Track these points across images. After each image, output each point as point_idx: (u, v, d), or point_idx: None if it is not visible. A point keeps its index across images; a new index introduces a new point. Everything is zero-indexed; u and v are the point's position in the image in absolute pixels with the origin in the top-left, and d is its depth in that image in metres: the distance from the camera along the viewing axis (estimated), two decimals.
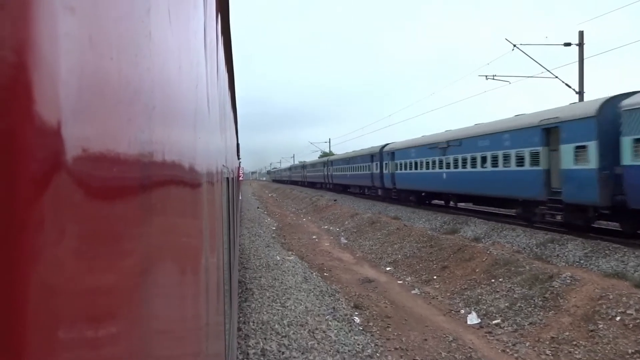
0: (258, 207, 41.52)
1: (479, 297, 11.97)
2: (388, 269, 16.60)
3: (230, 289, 4.56)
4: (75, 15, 0.48)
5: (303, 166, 77.19)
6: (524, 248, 14.87)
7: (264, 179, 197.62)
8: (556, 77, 23.84)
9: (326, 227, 27.76)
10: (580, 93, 22.90)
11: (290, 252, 18.38)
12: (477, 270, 13.65)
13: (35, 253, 0.39)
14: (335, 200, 37.49)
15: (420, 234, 19.09)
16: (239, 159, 21.11)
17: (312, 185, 67.34)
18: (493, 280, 12.57)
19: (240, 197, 19.97)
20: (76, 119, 0.47)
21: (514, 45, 23.71)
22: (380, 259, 18.07)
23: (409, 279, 15.11)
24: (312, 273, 14.51)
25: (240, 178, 25.87)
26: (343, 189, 48.57)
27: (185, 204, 1.26)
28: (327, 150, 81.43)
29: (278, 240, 21.96)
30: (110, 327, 0.58)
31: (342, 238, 23.09)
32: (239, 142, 21.36)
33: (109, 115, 0.59)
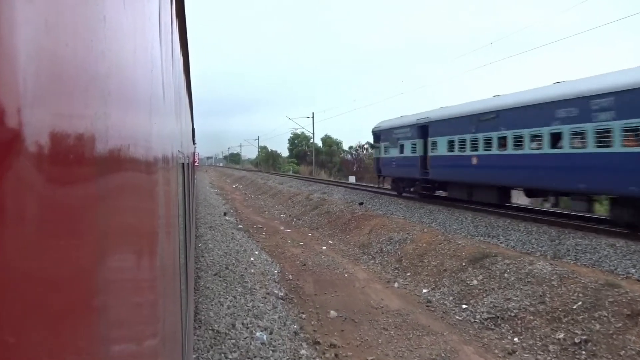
0: (225, 215, 24.79)
1: None
2: None
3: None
4: (32, 1, 0.48)
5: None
6: None
7: (221, 164, 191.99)
8: None
9: (412, 287, 12.38)
10: None
11: None
12: None
13: None
14: (361, 204, 22.63)
15: None
16: (194, 143, 20.71)
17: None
18: None
19: (195, 182, 19.40)
20: (34, 105, 0.48)
21: None
22: None
23: None
24: None
25: (196, 164, 25.31)
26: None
27: (142, 189, 1.26)
28: (309, 129, 61.41)
29: None
30: (66, 307, 0.59)
31: None
32: (194, 126, 20.91)
33: (65, 100, 0.59)
